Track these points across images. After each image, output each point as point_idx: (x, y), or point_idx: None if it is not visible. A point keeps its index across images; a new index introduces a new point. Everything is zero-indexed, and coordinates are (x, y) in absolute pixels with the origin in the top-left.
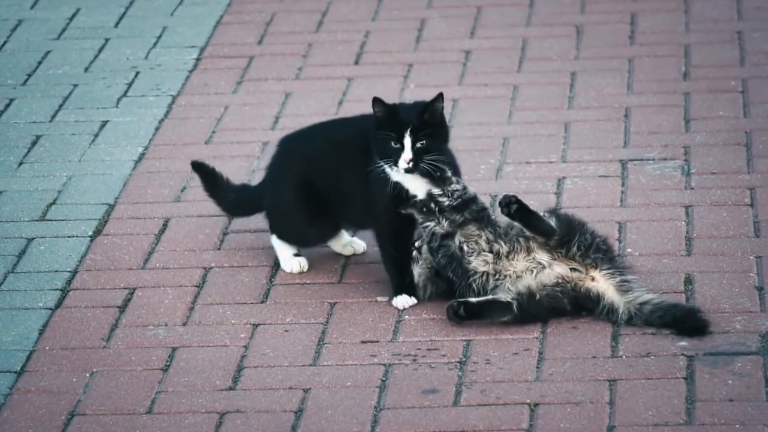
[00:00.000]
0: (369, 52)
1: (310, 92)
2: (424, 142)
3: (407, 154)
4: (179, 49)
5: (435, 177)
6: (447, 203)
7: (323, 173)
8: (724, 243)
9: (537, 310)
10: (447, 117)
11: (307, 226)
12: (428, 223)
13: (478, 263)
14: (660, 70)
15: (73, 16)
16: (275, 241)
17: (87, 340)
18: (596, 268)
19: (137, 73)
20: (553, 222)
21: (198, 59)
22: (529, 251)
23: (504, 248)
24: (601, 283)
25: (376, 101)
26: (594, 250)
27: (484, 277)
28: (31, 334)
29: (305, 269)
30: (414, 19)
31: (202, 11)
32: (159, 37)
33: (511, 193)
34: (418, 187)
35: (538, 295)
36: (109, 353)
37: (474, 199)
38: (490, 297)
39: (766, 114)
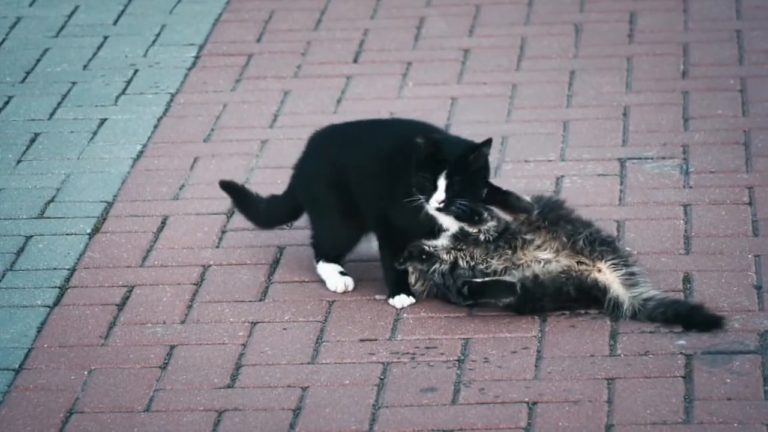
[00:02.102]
0: (368, 51)
1: (308, 90)
2: (460, 185)
3: (439, 195)
4: (178, 47)
5: (468, 219)
6: (483, 239)
7: (353, 175)
8: (723, 242)
9: (541, 293)
10: (446, 116)
11: (341, 225)
12: (433, 267)
13: (499, 263)
14: (659, 68)
15: (72, 13)
16: (321, 267)
17: (85, 337)
18: (602, 259)
19: (136, 71)
20: (529, 198)
21: (197, 57)
22: (538, 246)
23: (519, 242)
24: (607, 274)
25: (424, 136)
26: (599, 243)
27: (502, 272)
28: (30, 331)
29: (350, 289)
30: (413, 18)
31: (200, 9)
32: (158, 35)
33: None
34: (451, 223)
35: (541, 277)
36: (108, 351)
37: (507, 227)
38: (494, 278)
39: (765, 113)
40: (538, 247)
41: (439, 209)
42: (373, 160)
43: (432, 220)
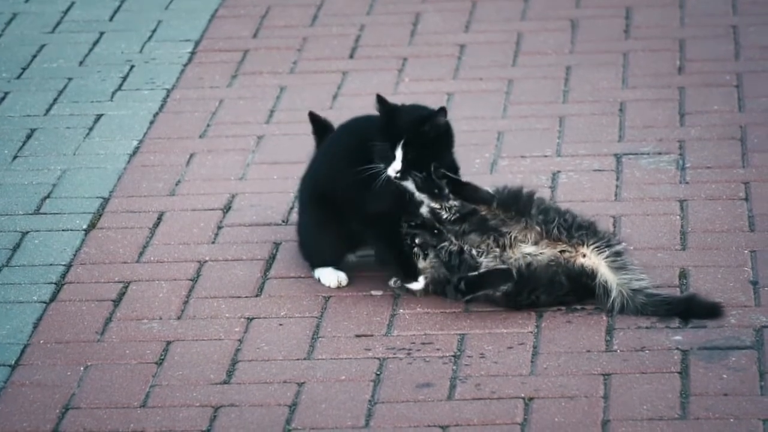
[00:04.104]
0: (364, 46)
1: (305, 86)
2: (417, 154)
3: (397, 164)
4: (174, 43)
5: (428, 191)
6: (446, 217)
7: (330, 183)
8: (719, 237)
9: (535, 283)
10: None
11: (326, 237)
12: (443, 244)
13: (488, 261)
14: (655, 64)
15: (68, 9)
16: (316, 273)
17: (81, 333)
18: (583, 244)
19: (132, 67)
20: (489, 190)
21: (193, 53)
22: (520, 240)
23: (507, 240)
24: (592, 258)
25: (379, 99)
26: (576, 228)
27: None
28: (26, 327)
29: (343, 284)
30: (409, 13)
31: (196, 5)
32: (154, 31)
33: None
34: (419, 194)
35: (534, 264)
36: (104, 347)
37: (473, 211)
38: (489, 268)
39: (761, 108)
40: (521, 241)
41: (397, 178)
42: (337, 163)
43: (403, 194)
